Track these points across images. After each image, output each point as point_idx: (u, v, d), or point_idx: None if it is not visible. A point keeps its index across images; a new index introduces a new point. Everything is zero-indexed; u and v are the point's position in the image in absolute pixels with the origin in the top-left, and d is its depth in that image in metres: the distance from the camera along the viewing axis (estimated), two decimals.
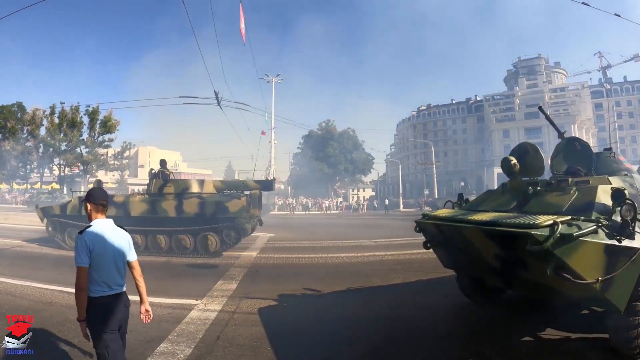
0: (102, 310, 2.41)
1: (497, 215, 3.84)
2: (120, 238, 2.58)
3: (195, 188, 10.83)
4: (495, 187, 6.14)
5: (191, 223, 10.00)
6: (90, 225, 2.49)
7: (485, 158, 63.10)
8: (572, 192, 3.83)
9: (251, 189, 11.55)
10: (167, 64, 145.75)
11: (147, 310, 2.71)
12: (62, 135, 42.80)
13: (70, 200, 11.10)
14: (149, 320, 2.72)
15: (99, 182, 11.76)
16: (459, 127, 73.81)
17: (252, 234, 12.81)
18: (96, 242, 2.41)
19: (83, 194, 11.57)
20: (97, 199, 2.57)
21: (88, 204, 2.58)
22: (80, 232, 2.44)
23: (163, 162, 11.70)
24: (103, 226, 2.52)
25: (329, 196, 50.44)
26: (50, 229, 11.13)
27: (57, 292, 5.88)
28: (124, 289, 2.56)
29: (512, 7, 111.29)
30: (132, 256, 2.64)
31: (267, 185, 11.80)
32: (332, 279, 7.10)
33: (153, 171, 11.53)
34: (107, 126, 43.65)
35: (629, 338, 3.33)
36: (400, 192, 50.84)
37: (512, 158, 4.73)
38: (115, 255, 2.50)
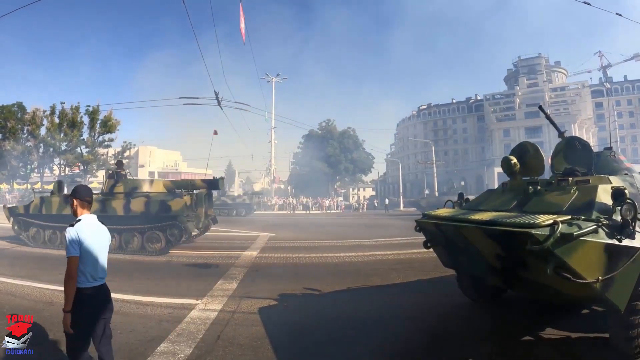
0: (87, 301, 2.52)
1: (497, 215, 3.83)
2: (103, 233, 2.74)
3: (145, 188, 11.26)
4: (496, 186, 6.14)
5: (138, 221, 10.31)
6: (80, 220, 2.61)
7: (485, 157, 63.11)
8: (572, 191, 3.82)
9: (199, 188, 11.78)
10: (169, 64, 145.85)
11: None
12: (62, 135, 42.80)
13: (33, 200, 11.51)
14: None
15: (60, 182, 12.28)
16: (460, 126, 73.78)
17: (248, 236, 12.82)
18: (85, 235, 2.53)
19: (45, 194, 12.09)
20: (83, 195, 2.70)
21: (75, 200, 2.70)
22: (71, 225, 2.55)
23: (119, 163, 12.33)
24: (90, 221, 2.66)
25: (330, 196, 50.46)
26: (15, 227, 11.57)
27: (57, 292, 5.86)
28: (104, 281, 2.69)
29: (512, 7, 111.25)
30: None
31: (213, 184, 12.01)
32: (332, 279, 7.10)
33: (109, 171, 11.97)
34: (107, 126, 43.65)
35: (630, 337, 3.32)
36: (401, 191, 50.89)
37: (512, 157, 4.73)
38: (99, 248, 2.63)
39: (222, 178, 12.45)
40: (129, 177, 11.94)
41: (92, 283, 2.55)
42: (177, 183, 12.17)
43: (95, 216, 2.72)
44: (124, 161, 47.64)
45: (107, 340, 2.67)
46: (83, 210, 2.68)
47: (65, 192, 11.84)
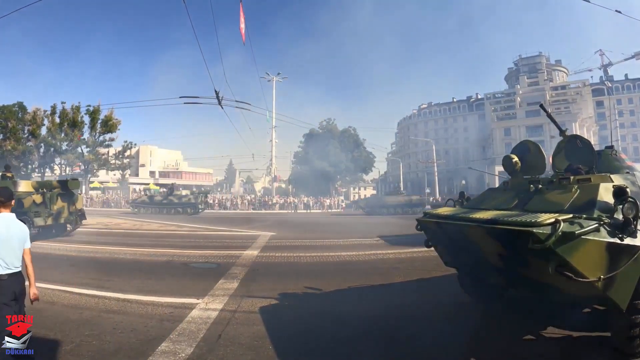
0: (5, 286, 2.86)
1: (499, 214, 3.82)
2: (17, 229, 3.07)
3: (14, 187, 12.49)
4: (497, 185, 6.12)
5: None
6: None
7: (486, 156, 63.02)
8: (573, 190, 3.81)
9: (54, 188, 13.62)
10: (171, 63, 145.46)
11: (34, 294, 3.14)
12: (63, 135, 42.85)
13: None
14: (35, 302, 3.14)
15: None
16: (460, 125, 73.73)
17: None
18: None
19: None
20: None
21: None
22: None
23: (7, 167, 13.89)
24: (5, 217, 3.03)
25: (330, 195, 50.44)
26: None
27: (58, 291, 5.88)
28: (19, 269, 3.02)
29: (512, 5, 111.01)
30: (27, 244, 3.13)
31: (63, 184, 13.79)
32: (333, 278, 7.10)
33: None
34: (108, 126, 43.73)
35: (631, 336, 3.32)
36: (402, 190, 50.78)
37: (513, 156, 4.72)
38: (12, 241, 2.98)
39: (75, 179, 14.81)
40: (12, 180, 13.30)
41: (6, 270, 2.91)
42: (40, 183, 14.23)
43: (13, 215, 3.10)
44: (125, 161, 48.00)
45: None
46: (0, 209, 3.04)
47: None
